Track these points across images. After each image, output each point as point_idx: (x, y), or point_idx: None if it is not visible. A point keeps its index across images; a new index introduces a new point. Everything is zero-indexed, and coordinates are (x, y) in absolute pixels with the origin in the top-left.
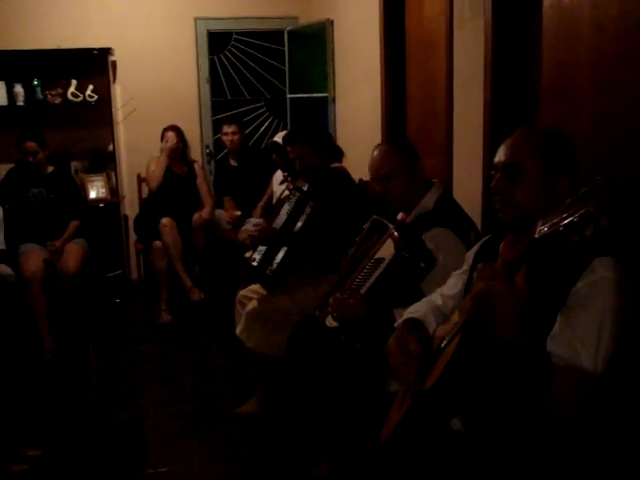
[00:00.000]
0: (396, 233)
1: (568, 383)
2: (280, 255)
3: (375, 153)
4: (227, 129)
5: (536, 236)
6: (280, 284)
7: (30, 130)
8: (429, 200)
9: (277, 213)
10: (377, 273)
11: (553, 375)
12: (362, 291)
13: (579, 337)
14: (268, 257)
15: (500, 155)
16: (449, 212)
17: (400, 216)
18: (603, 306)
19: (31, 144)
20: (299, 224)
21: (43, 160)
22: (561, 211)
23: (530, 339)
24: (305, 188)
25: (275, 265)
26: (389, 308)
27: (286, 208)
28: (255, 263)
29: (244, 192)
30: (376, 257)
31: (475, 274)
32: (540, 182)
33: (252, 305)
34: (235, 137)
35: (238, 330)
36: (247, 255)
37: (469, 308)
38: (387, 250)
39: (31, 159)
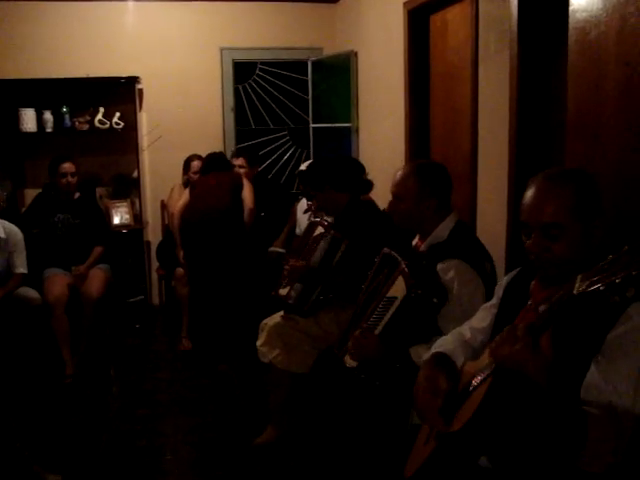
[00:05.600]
0: (407, 269)
1: (605, 436)
2: (316, 292)
3: (400, 170)
4: (235, 162)
5: (574, 292)
6: (313, 314)
7: (63, 155)
8: (443, 230)
9: (312, 251)
10: (390, 312)
11: (587, 426)
12: (377, 331)
13: (615, 388)
14: (304, 295)
15: (533, 213)
16: (463, 243)
17: (415, 241)
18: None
19: (69, 165)
20: (335, 262)
21: (75, 184)
22: (602, 269)
23: (560, 388)
24: (327, 222)
25: (311, 302)
26: (405, 347)
27: (322, 247)
28: (292, 301)
29: (259, 226)
30: (388, 295)
31: (497, 337)
32: (580, 235)
33: (276, 320)
34: (242, 170)
35: (259, 342)
36: (282, 292)
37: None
38: (399, 287)
39: (68, 180)
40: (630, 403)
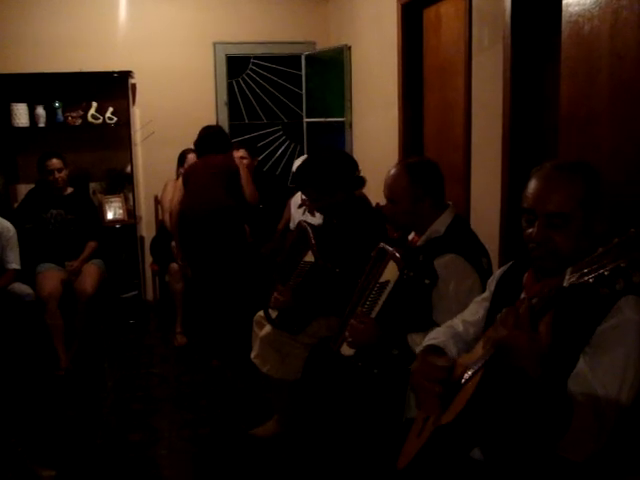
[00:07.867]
0: (397, 254)
1: (587, 425)
2: (304, 319)
3: (391, 172)
4: (235, 154)
5: (565, 285)
6: (302, 331)
7: (52, 151)
8: (440, 225)
9: (298, 280)
10: (384, 296)
11: (572, 415)
12: (372, 316)
13: (601, 380)
14: (292, 321)
15: (540, 200)
16: (460, 238)
17: (411, 237)
18: (627, 350)
19: (55, 161)
20: (323, 294)
21: (64, 179)
22: (592, 261)
23: (550, 378)
24: (317, 251)
25: (300, 324)
26: (402, 332)
27: (309, 281)
28: (280, 324)
29: (259, 217)
30: (381, 280)
31: (498, 317)
32: (581, 227)
33: (266, 330)
34: (244, 162)
35: (253, 354)
36: (272, 314)
37: (490, 348)
38: (391, 272)
39: (55, 176)
40: (615, 394)
